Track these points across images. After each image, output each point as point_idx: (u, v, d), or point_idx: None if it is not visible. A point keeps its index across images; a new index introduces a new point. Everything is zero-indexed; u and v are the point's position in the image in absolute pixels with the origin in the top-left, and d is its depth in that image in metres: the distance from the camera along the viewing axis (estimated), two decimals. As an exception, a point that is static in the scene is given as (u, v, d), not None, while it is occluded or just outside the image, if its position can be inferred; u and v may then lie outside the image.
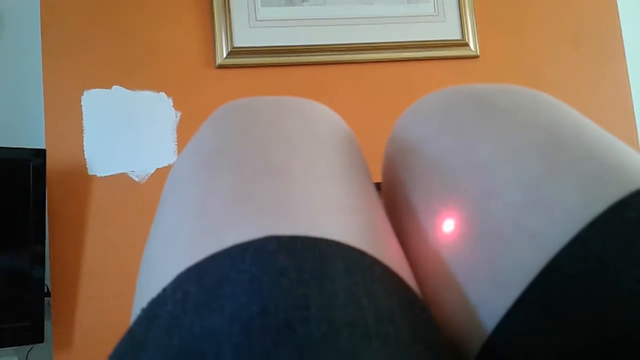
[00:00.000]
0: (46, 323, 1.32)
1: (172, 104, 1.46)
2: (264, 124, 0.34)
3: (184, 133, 1.45)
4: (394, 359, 0.22)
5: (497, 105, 0.35)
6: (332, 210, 0.29)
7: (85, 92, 1.43)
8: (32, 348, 1.38)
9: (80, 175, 1.40)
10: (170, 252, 0.29)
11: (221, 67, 1.48)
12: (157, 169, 1.43)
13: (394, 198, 0.39)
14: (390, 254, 0.30)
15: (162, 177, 1.43)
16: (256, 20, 1.50)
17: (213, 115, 0.37)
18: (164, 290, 0.26)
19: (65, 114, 1.41)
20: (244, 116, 0.35)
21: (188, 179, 0.33)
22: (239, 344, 0.21)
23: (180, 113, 1.46)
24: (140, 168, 1.43)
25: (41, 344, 1.31)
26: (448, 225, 0.32)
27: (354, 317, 0.23)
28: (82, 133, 1.41)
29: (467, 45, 1.57)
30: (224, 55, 1.48)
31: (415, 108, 0.40)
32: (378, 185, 0.37)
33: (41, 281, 1.28)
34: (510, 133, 0.33)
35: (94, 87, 1.43)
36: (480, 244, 0.30)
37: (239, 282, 0.24)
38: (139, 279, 0.32)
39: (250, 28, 1.50)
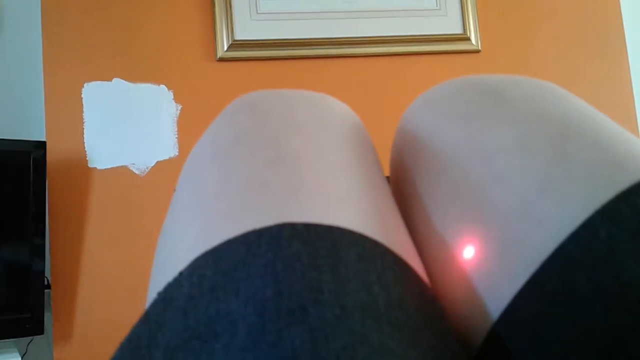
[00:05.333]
0: (46, 315, 1.32)
1: (172, 97, 1.46)
2: (278, 115, 0.35)
3: (185, 126, 1.45)
4: (403, 344, 0.23)
5: (506, 95, 0.35)
6: (345, 199, 0.29)
7: (85, 85, 1.43)
8: (32, 340, 1.38)
9: (80, 168, 1.40)
10: (186, 237, 0.29)
11: (222, 60, 1.48)
12: (158, 161, 1.43)
13: (402, 187, 0.39)
14: (401, 244, 0.30)
15: (163, 170, 1.43)
16: (257, 13, 1.50)
17: (228, 107, 0.38)
18: (181, 274, 0.26)
19: (66, 106, 1.41)
20: (258, 108, 0.36)
21: (203, 168, 0.33)
22: (253, 325, 0.21)
23: (180, 106, 1.46)
24: (141, 161, 1.43)
25: (41, 336, 1.31)
26: (456, 213, 0.33)
27: (365, 302, 0.23)
28: (83, 125, 1.41)
29: (468, 39, 1.57)
30: (225, 48, 1.47)
31: (424, 98, 0.40)
32: (386, 178, 0.38)
33: (41, 273, 1.28)
34: (518, 122, 0.33)
35: (95, 80, 1.43)
36: (488, 230, 0.30)
37: (255, 266, 0.24)
38: (154, 265, 0.32)
39: (252, 21, 1.50)
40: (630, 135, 0.33)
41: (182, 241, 0.29)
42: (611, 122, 0.33)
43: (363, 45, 1.53)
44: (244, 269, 0.24)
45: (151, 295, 0.28)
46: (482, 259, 0.31)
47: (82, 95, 1.42)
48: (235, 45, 1.48)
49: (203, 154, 0.35)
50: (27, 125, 1.47)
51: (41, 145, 1.30)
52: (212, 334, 0.22)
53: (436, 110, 0.38)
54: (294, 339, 0.21)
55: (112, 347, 1.32)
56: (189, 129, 1.45)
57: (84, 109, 1.42)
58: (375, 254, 0.27)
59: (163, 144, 1.44)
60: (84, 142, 1.41)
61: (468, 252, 0.31)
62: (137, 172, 1.42)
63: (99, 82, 1.43)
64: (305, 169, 0.30)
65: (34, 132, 1.45)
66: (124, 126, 1.43)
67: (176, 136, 1.45)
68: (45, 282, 1.32)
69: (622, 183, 0.28)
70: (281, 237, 0.25)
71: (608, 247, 0.26)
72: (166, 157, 1.44)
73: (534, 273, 0.28)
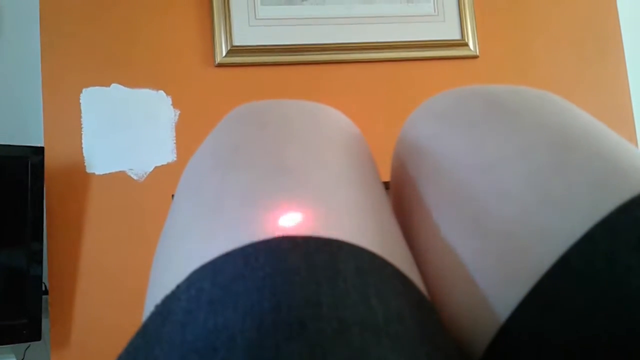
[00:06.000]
0: (44, 321, 1.32)
1: (171, 102, 1.46)
2: (278, 125, 0.35)
3: (183, 131, 1.45)
4: (403, 358, 0.22)
5: (507, 106, 0.35)
6: (344, 211, 0.29)
7: (83, 90, 1.42)
8: (29, 346, 1.37)
9: (78, 173, 1.40)
10: (184, 249, 0.29)
11: (220, 65, 1.48)
12: (156, 167, 1.43)
13: (402, 196, 0.39)
14: (400, 256, 0.30)
15: (161, 176, 1.42)
16: (256, 18, 1.50)
17: (227, 116, 0.38)
18: (178, 287, 0.26)
19: (64, 112, 1.41)
20: (257, 118, 0.36)
21: (202, 179, 0.33)
22: (251, 340, 0.21)
23: (179, 111, 1.46)
24: (139, 166, 1.42)
25: (38, 342, 1.30)
26: (457, 223, 0.33)
27: (364, 316, 0.23)
28: (81, 131, 1.41)
29: (466, 45, 1.58)
30: (224, 54, 1.47)
31: (425, 107, 0.40)
32: (385, 185, 0.37)
33: (39, 279, 1.27)
34: (520, 132, 0.33)
35: (93, 85, 1.43)
36: (490, 241, 0.30)
37: (253, 279, 0.24)
38: (152, 277, 0.32)
39: (250, 27, 1.50)
40: (630, 146, 0.33)
41: (180, 253, 0.29)
42: (612, 133, 0.33)
43: (361, 51, 1.54)
44: (242, 282, 0.24)
45: (149, 307, 0.28)
46: (484, 269, 0.30)
47: (81, 101, 1.42)
48: (233, 50, 1.48)
49: (202, 163, 0.35)
50: (25, 130, 1.47)
51: (39, 150, 1.30)
52: (211, 348, 0.21)
53: (438, 119, 0.38)
54: (293, 354, 0.21)
55: (110, 353, 1.31)
56: (187, 134, 1.45)
57: (82, 115, 1.42)
58: (373, 266, 0.26)
59: (161, 150, 1.44)
60: (82, 148, 1.41)
61: (468, 263, 0.31)
62: (135, 177, 1.42)
63: (97, 87, 1.43)
64: (304, 181, 0.30)
65: (32, 137, 1.44)
66: (122, 131, 1.43)
67: (174, 142, 1.44)
68: (43, 288, 1.32)
69: (624, 195, 0.28)
70: (279, 249, 0.25)
71: (609, 259, 0.26)
72: (164, 163, 1.43)
73: (535, 284, 0.28)
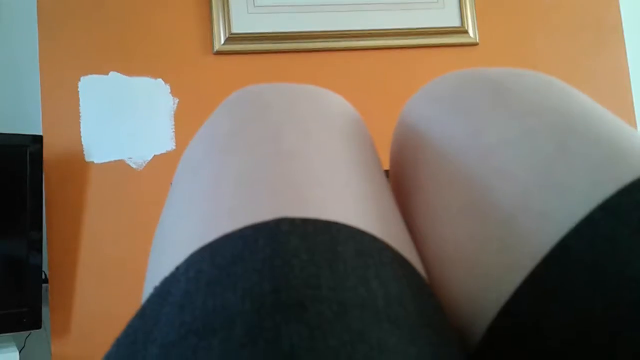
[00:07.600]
0: (44, 309, 1.32)
1: (169, 91, 1.45)
2: (277, 109, 0.34)
3: (182, 120, 1.44)
4: (402, 341, 0.22)
5: (508, 88, 0.35)
6: (344, 195, 0.29)
7: (82, 78, 1.42)
8: (30, 334, 1.38)
9: (77, 162, 1.40)
10: (183, 232, 0.29)
11: (219, 53, 1.48)
12: (155, 155, 1.43)
13: (402, 180, 0.39)
14: (400, 240, 0.30)
15: (160, 164, 1.42)
16: (254, 6, 1.49)
17: (226, 100, 0.38)
18: (177, 268, 0.26)
19: (62, 100, 1.40)
20: (257, 102, 0.35)
21: (201, 162, 0.33)
22: (250, 321, 0.21)
23: (177, 99, 1.45)
24: (138, 155, 1.42)
25: (39, 330, 1.31)
26: (456, 206, 0.32)
27: (364, 298, 0.23)
28: (79, 119, 1.41)
29: (466, 32, 1.57)
30: (222, 42, 1.47)
31: (425, 91, 0.40)
32: (385, 173, 0.37)
33: (39, 267, 1.28)
34: (521, 115, 0.33)
35: (91, 73, 1.43)
36: (489, 224, 0.30)
37: (252, 261, 0.24)
38: (151, 259, 0.32)
39: (249, 14, 1.49)
40: (632, 130, 0.32)
41: (178, 235, 0.29)
42: (613, 117, 0.33)
43: (360, 39, 1.53)
44: (241, 264, 0.24)
45: (148, 289, 0.28)
46: (483, 252, 0.30)
47: (79, 89, 1.42)
48: (232, 38, 1.47)
49: (201, 146, 0.35)
50: (23, 119, 1.47)
51: (38, 139, 1.30)
52: (209, 329, 0.21)
53: (438, 102, 0.37)
54: (292, 336, 0.20)
55: (111, 340, 1.32)
56: (186, 122, 1.45)
57: (81, 103, 1.41)
58: (373, 249, 0.26)
59: (160, 138, 1.43)
60: (81, 136, 1.40)
61: (468, 246, 0.31)
62: (134, 166, 1.42)
63: (95, 75, 1.43)
64: (303, 164, 0.30)
65: (31, 126, 1.44)
66: (120, 120, 1.42)
67: (173, 130, 1.44)
68: (43, 276, 1.32)
69: (625, 177, 0.28)
70: (279, 232, 0.25)
71: (610, 242, 0.26)
72: (163, 151, 1.43)
73: (534, 267, 0.28)
